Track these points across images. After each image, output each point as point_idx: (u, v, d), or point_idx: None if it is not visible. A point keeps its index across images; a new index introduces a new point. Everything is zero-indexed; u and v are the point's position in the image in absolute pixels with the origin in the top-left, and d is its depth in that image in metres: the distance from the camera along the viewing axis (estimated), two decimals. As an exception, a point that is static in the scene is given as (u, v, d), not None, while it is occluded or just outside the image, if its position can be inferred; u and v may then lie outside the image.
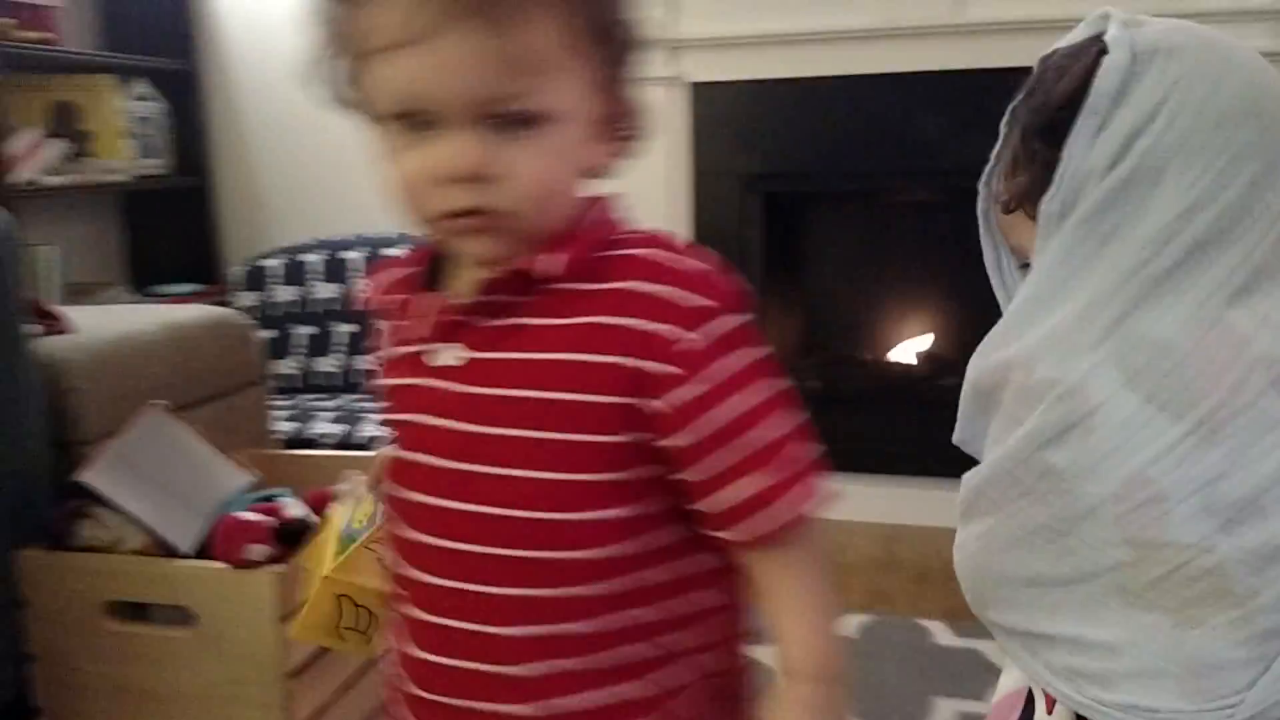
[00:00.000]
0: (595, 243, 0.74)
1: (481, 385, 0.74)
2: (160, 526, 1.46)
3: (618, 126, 0.75)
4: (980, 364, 0.84)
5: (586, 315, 0.72)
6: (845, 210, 3.01)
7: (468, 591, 0.74)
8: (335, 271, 2.80)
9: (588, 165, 0.74)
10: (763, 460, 0.72)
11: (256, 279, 2.83)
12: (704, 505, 0.74)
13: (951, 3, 2.40)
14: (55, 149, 2.71)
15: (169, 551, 1.45)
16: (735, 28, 2.45)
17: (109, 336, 1.73)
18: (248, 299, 2.81)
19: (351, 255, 2.80)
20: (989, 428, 0.83)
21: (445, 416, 0.75)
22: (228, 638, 1.39)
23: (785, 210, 2.83)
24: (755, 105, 2.62)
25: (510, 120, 0.68)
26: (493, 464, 0.73)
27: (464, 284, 0.76)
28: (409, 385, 0.78)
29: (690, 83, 2.58)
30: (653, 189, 2.58)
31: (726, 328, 0.72)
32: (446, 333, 0.75)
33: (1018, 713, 0.87)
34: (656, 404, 0.71)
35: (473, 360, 0.75)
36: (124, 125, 2.88)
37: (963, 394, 0.86)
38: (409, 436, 0.78)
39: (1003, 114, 0.91)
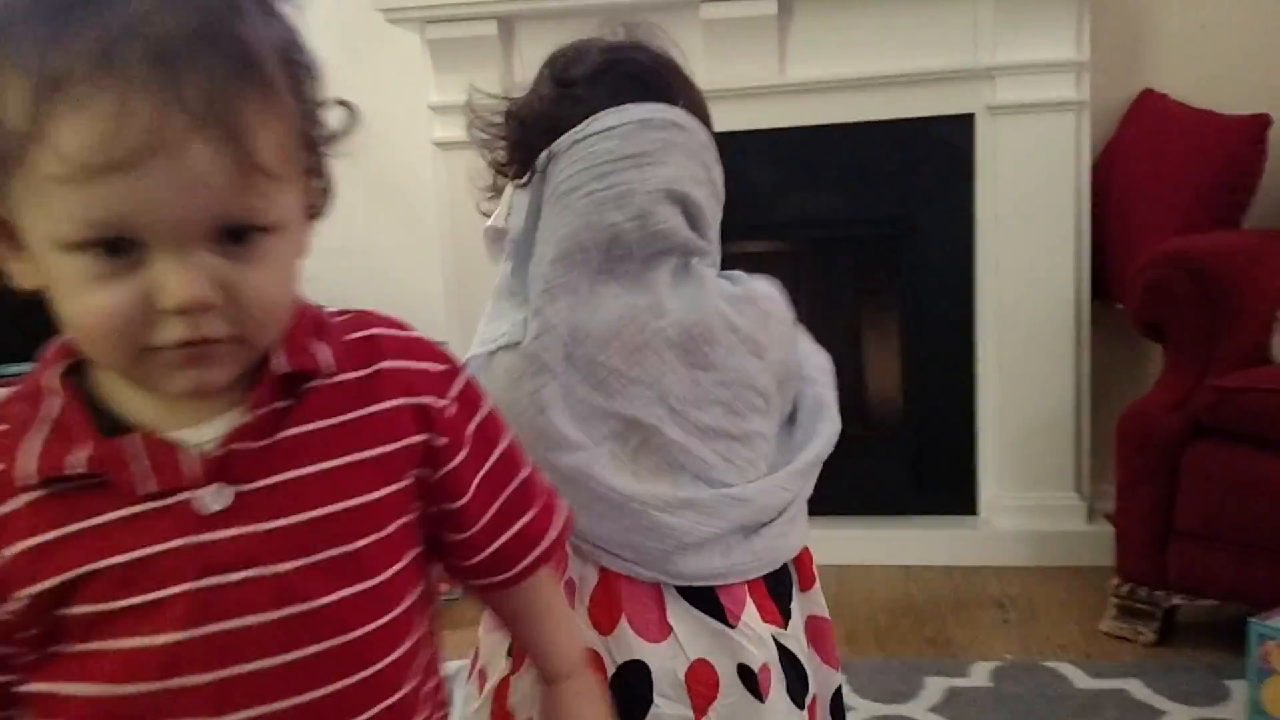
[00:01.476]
0: (319, 330, 0.70)
1: (272, 518, 0.65)
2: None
3: (314, 212, 0.69)
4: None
5: (368, 405, 0.69)
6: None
7: None
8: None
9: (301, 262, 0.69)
10: (527, 498, 0.79)
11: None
12: (478, 556, 0.77)
13: (774, 64, 2.54)
14: None
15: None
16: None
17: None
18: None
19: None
20: None
21: (246, 567, 0.64)
22: None
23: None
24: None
25: (243, 237, 0.61)
26: (318, 596, 0.66)
27: (154, 413, 0.65)
28: (160, 553, 0.63)
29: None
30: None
31: (467, 386, 0.75)
32: (213, 472, 0.64)
33: None
34: (440, 473, 0.73)
35: (244, 494, 0.65)
36: None
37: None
38: (185, 612, 0.64)
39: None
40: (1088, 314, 2.51)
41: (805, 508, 1.08)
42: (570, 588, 1.00)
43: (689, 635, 0.98)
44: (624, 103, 1.01)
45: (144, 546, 0.63)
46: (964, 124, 2.52)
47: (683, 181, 1.01)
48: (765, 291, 1.10)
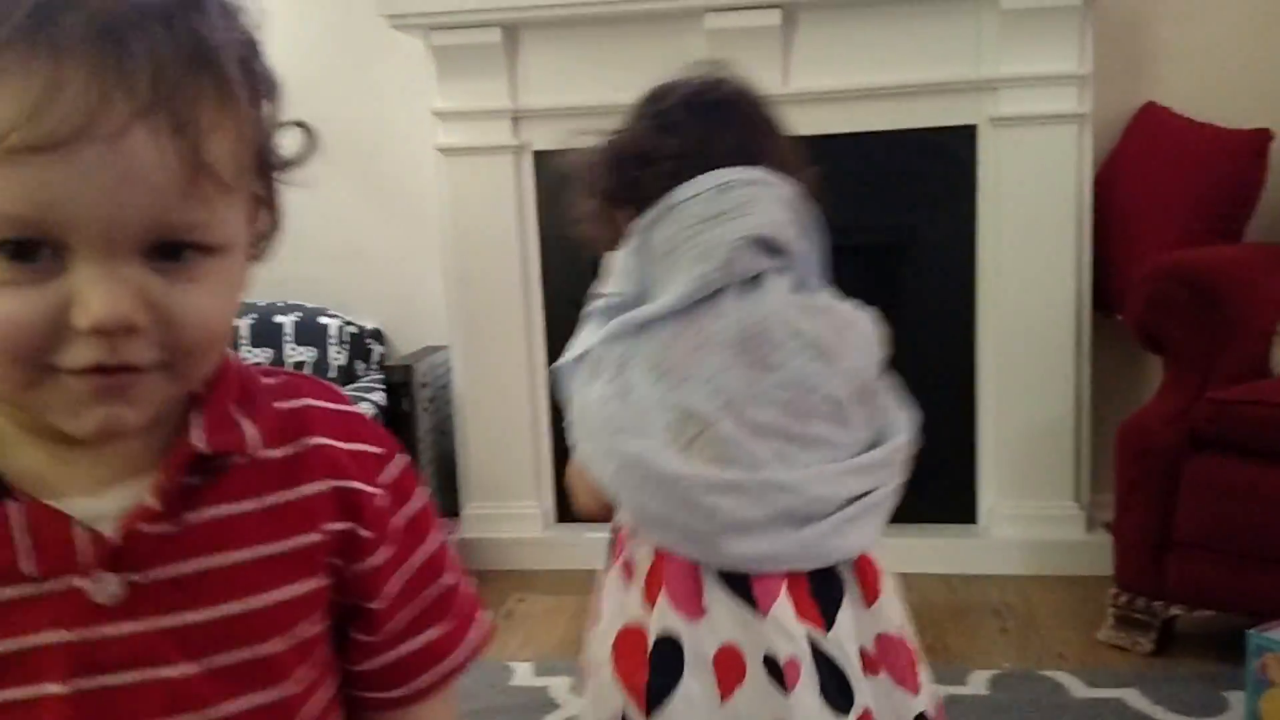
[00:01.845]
0: (247, 396, 0.63)
1: (171, 614, 0.57)
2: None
3: (259, 248, 0.62)
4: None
5: (289, 488, 0.62)
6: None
7: None
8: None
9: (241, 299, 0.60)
10: (444, 609, 0.70)
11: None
12: (371, 664, 0.68)
13: (778, 74, 2.54)
14: None
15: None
16: (576, 98, 2.53)
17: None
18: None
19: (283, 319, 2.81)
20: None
21: (138, 667, 0.57)
22: None
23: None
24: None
25: (181, 254, 0.53)
26: (219, 703, 0.59)
27: (44, 470, 0.56)
28: (39, 645, 0.55)
29: (534, 151, 2.64)
30: (505, 253, 2.64)
31: (401, 474, 0.68)
32: (107, 557, 0.56)
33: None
34: (358, 567, 0.65)
35: (143, 585, 0.57)
36: None
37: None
38: (65, 714, 0.56)
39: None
40: (1088, 325, 2.52)
41: (877, 514, 1.11)
42: (629, 569, 1.08)
43: (720, 619, 1.03)
44: (715, 127, 1.14)
45: (18, 636, 0.55)
46: (966, 135, 2.53)
47: (764, 227, 1.11)
48: (848, 306, 1.19)
